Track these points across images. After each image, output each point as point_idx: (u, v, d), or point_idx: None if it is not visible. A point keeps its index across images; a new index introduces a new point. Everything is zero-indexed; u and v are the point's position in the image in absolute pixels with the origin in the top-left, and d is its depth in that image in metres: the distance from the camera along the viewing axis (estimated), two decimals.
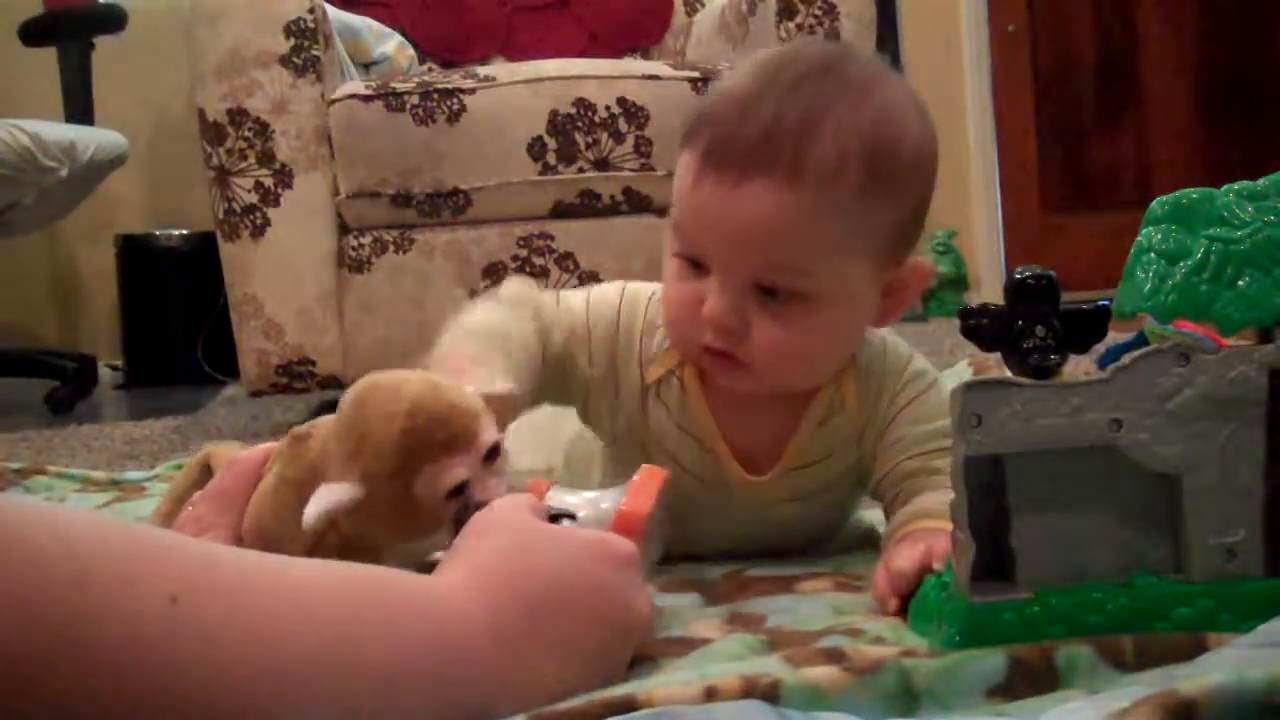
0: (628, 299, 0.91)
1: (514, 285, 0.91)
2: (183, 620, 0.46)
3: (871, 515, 0.98)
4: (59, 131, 2.51)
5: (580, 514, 0.71)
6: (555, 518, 0.71)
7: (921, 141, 0.82)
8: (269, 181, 2.00)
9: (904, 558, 0.74)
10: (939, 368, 0.97)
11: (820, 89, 0.79)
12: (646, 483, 0.72)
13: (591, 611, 0.59)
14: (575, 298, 0.92)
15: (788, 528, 0.92)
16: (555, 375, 0.90)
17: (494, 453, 0.71)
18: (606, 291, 0.93)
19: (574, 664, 0.58)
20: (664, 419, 0.90)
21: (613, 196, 2.01)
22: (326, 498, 0.68)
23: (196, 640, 0.47)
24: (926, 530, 0.79)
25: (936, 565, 0.71)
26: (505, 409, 0.77)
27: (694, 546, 0.92)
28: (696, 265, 0.82)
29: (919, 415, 0.87)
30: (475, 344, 0.84)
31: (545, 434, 1.04)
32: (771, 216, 0.78)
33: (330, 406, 0.76)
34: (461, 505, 0.69)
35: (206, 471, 0.81)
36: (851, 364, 0.88)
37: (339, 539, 0.73)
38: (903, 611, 0.72)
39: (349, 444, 0.69)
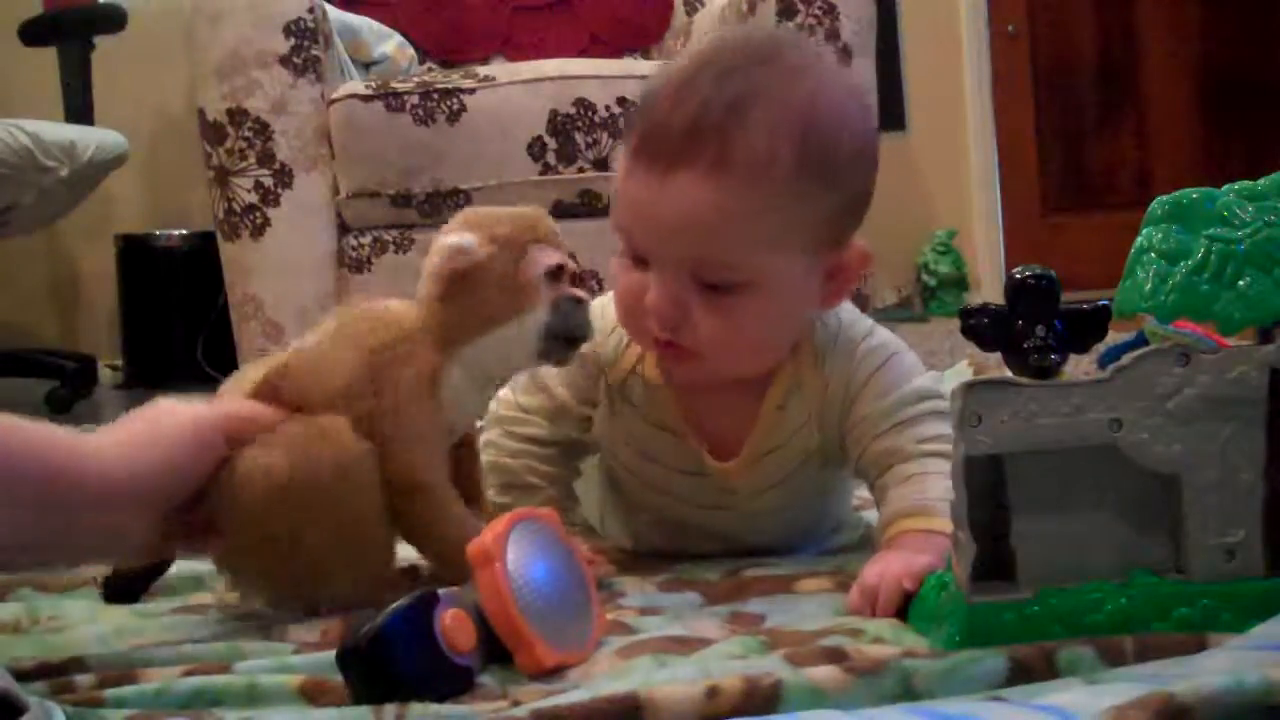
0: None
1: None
2: None
3: (871, 516, 0.98)
4: (59, 131, 2.51)
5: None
6: None
7: (860, 130, 0.80)
8: (269, 181, 2.00)
9: (874, 574, 0.75)
10: (939, 368, 0.97)
11: (752, 77, 0.77)
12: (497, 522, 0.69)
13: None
14: None
15: (770, 518, 0.92)
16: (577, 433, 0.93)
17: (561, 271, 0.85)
18: None
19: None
20: (632, 417, 0.89)
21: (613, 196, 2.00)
22: (458, 239, 0.82)
23: None
24: (911, 535, 0.79)
25: (907, 584, 0.72)
26: None
27: (688, 545, 0.92)
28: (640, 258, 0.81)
29: (880, 389, 0.86)
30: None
31: None
32: (697, 212, 0.76)
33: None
34: (558, 291, 0.83)
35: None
36: (808, 345, 0.87)
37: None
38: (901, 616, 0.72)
39: (477, 217, 0.85)
